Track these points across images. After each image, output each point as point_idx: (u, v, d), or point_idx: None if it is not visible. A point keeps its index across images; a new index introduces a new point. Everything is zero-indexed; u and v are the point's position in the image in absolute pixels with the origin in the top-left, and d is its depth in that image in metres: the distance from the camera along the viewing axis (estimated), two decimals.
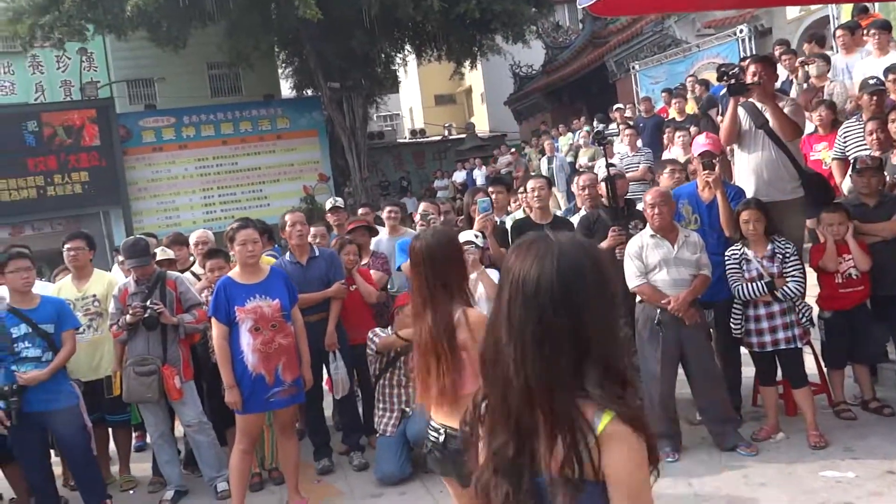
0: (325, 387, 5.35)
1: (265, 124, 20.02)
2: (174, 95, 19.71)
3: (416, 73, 29.56)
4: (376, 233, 6.14)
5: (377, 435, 4.98)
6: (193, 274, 5.78)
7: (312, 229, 5.53)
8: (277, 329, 4.34)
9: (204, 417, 4.95)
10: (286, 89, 23.10)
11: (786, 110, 4.94)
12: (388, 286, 5.97)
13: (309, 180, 20.05)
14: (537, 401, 1.34)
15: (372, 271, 5.81)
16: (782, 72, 8.49)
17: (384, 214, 6.50)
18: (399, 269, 5.75)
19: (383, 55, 19.64)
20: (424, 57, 20.63)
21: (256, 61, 18.28)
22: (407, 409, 4.88)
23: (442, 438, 2.72)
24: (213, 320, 4.30)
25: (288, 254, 5.23)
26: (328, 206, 6.58)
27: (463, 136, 24.89)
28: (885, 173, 5.06)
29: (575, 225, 5.31)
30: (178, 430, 5.20)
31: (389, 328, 5.07)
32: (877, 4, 8.55)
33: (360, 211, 6.81)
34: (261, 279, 4.41)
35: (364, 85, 19.38)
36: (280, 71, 21.77)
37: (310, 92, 21.35)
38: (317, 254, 5.20)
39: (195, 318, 4.93)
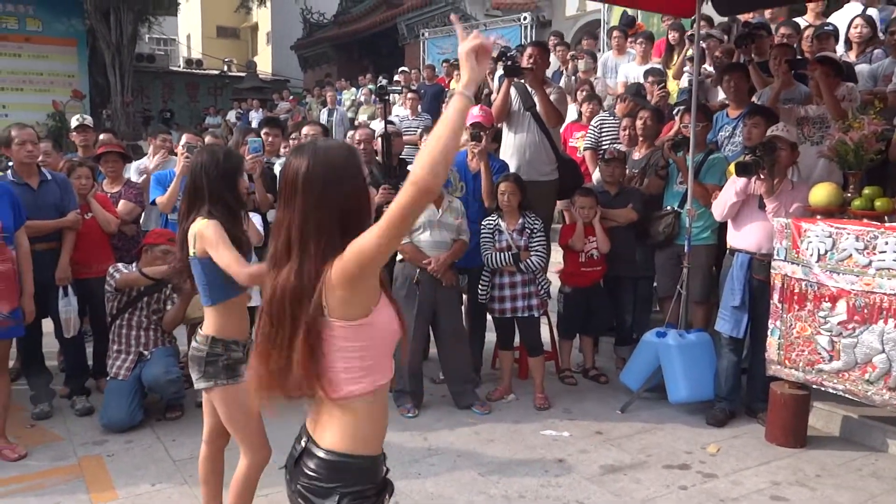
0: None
1: (11, 22, 17.36)
2: None
3: None
4: (130, 159, 5.61)
5: (108, 378, 4.58)
6: None
7: (41, 145, 4.89)
8: None
9: None
10: None
11: (552, 98, 5.28)
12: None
13: (61, 95, 17.78)
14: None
15: (122, 201, 5.31)
16: (554, 62, 9.07)
17: (158, 141, 6.00)
18: (154, 202, 5.32)
19: None
20: None
21: None
22: (145, 353, 4.55)
23: (298, 451, 1.81)
24: None
25: (10, 172, 4.54)
26: (74, 123, 5.88)
27: (243, 74, 23.63)
28: (627, 167, 5.61)
29: None
30: None
31: (134, 265, 4.68)
32: (640, 15, 9.42)
33: (101, 136, 6.16)
34: None
35: None
36: None
37: None
38: (48, 177, 4.60)
39: None
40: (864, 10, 6.38)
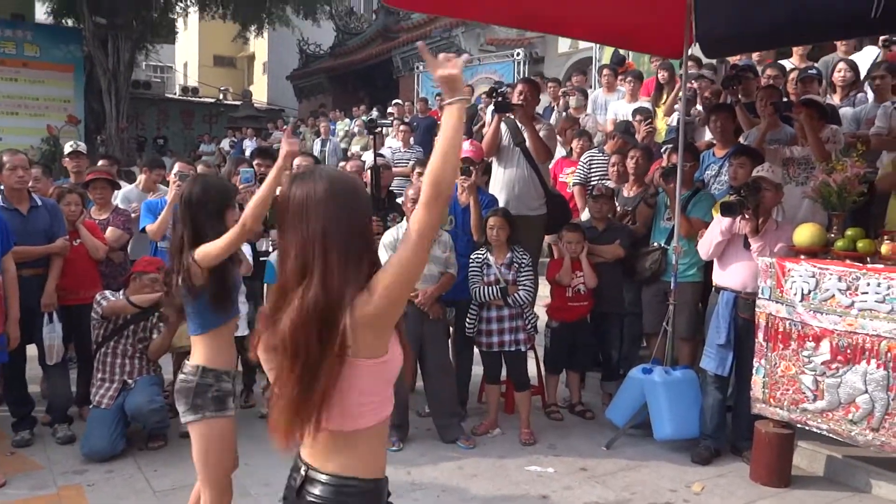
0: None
1: (9, 47, 17.45)
2: None
3: (198, 27, 27.78)
4: (118, 186, 5.63)
5: (91, 406, 4.55)
6: None
7: (33, 170, 4.92)
8: None
9: None
10: (41, 13, 20.40)
11: (541, 134, 5.35)
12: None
13: (56, 120, 17.80)
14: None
15: (110, 228, 5.31)
16: (545, 99, 9.20)
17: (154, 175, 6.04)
18: (143, 230, 5.33)
19: (162, 0, 18.13)
20: (208, 12, 19.37)
21: None
22: (129, 381, 4.52)
23: (299, 481, 1.76)
24: None
25: (0, 198, 4.56)
26: (67, 149, 5.92)
27: (238, 103, 23.79)
28: (617, 203, 5.67)
29: None
30: None
31: (121, 292, 4.67)
32: (631, 54, 9.58)
33: (100, 162, 6.21)
34: None
35: (135, 27, 17.75)
36: None
37: (70, 22, 19.07)
38: (38, 203, 4.62)
39: None
40: (878, 56, 6.47)
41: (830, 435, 3.90)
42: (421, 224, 1.61)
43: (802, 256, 4.09)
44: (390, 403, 1.78)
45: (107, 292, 4.68)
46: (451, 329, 5.15)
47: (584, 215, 5.92)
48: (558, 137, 7.42)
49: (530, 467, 4.35)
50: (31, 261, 4.50)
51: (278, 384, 1.67)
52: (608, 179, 6.00)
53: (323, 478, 1.72)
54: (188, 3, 19.45)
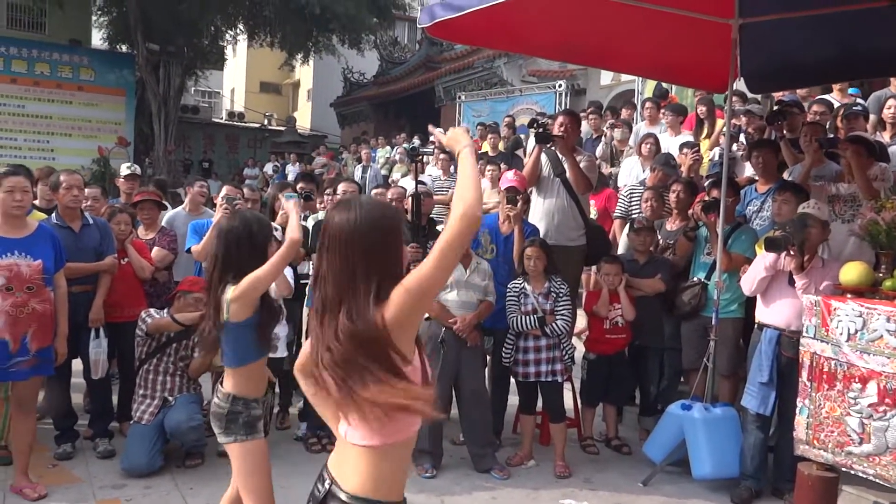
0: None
1: (66, 71, 18.17)
2: None
3: (246, 54, 28.48)
4: (165, 207, 5.77)
5: (131, 422, 4.63)
6: None
7: (87, 190, 5.08)
8: (34, 292, 3.94)
9: None
10: (97, 39, 21.17)
11: (581, 165, 5.36)
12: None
13: (106, 141, 18.42)
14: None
15: (156, 248, 5.44)
16: (586, 130, 9.22)
17: (195, 188, 6.20)
18: (189, 250, 5.44)
19: (213, 28, 18.68)
20: (256, 40, 19.89)
21: (68, 0, 16.61)
22: (169, 398, 4.60)
23: (322, 493, 1.81)
24: None
25: (55, 215, 4.73)
26: (123, 171, 6.10)
27: (283, 128, 24.26)
28: (659, 236, 5.63)
29: None
30: None
31: (166, 310, 4.77)
32: (674, 88, 9.56)
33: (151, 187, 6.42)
34: (24, 235, 4.00)
35: (186, 54, 18.31)
36: (94, 18, 19.86)
37: (124, 48, 19.76)
38: (90, 221, 4.77)
39: None
40: None
41: (877, 480, 3.78)
42: (447, 236, 1.70)
43: (849, 295, 4.00)
44: (415, 422, 1.80)
45: (151, 310, 4.78)
46: (487, 358, 5.14)
47: (622, 248, 5.89)
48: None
49: (565, 501, 4.29)
50: (80, 278, 4.62)
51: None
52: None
53: (344, 496, 1.75)
54: (238, 31, 20.00)
